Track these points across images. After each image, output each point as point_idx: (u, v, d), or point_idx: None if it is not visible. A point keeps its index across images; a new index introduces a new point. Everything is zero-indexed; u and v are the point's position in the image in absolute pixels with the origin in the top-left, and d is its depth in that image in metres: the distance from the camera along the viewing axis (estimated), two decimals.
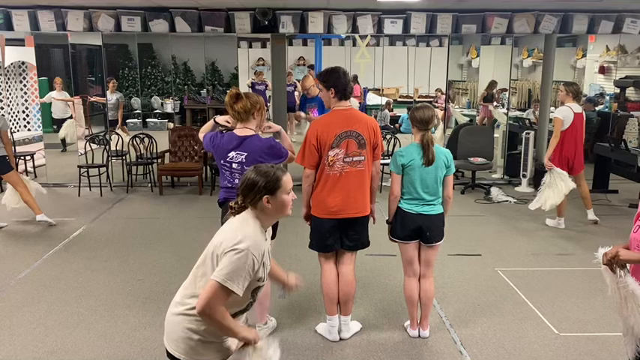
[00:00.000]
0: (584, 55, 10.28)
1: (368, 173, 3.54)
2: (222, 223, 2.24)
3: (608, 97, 10.00)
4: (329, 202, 3.49)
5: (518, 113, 9.90)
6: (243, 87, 10.96)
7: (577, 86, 6.13)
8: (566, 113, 5.89)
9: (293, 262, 4.86)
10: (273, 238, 3.55)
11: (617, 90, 9.64)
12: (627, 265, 2.30)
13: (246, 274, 1.99)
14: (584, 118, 5.99)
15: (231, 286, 1.96)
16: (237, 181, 3.38)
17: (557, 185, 5.92)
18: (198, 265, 2.13)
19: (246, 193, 2.14)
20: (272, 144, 3.45)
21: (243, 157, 3.37)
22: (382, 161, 3.78)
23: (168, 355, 2.17)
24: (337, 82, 3.49)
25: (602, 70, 10.35)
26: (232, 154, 3.39)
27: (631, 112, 9.21)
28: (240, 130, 3.43)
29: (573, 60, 10.51)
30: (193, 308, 2.04)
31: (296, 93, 12.19)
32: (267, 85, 10.69)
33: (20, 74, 9.63)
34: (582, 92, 6.16)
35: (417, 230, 3.53)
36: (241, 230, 2.05)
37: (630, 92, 9.47)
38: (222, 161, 3.42)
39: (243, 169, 3.37)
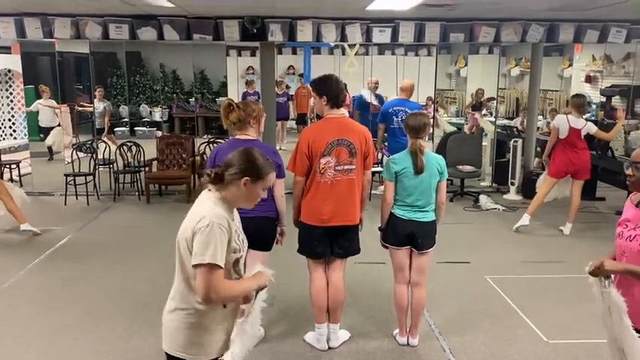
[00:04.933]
0: (570, 65, 10.38)
1: (358, 182, 3.52)
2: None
3: (594, 106, 10.09)
4: (320, 211, 3.48)
5: (506, 122, 9.96)
6: (232, 96, 10.92)
7: (578, 99, 6.17)
8: (559, 122, 6.08)
9: (282, 270, 4.80)
10: (268, 249, 3.55)
11: (604, 99, 9.74)
12: (611, 275, 2.31)
13: (221, 245, 1.99)
14: (582, 133, 5.99)
15: (215, 261, 1.96)
16: None
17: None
18: (177, 258, 2.12)
19: (232, 164, 2.09)
20: (275, 151, 3.53)
21: None
22: (373, 169, 3.76)
23: (168, 357, 2.16)
24: (329, 90, 3.49)
25: (589, 80, 10.45)
26: None
27: (617, 121, 9.28)
28: (241, 135, 3.46)
29: (560, 69, 10.61)
30: (187, 302, 2.06)
31: (290, 103, 12.16)
32: (259, 95, 10.66)
33: (6, 82, 9.54)
34: (584, 105, 6.13)
35: (409, 236, 3.53)
36: (200, 210, 2.05)
37: (616, 101, 9.56)
38: None
39: None
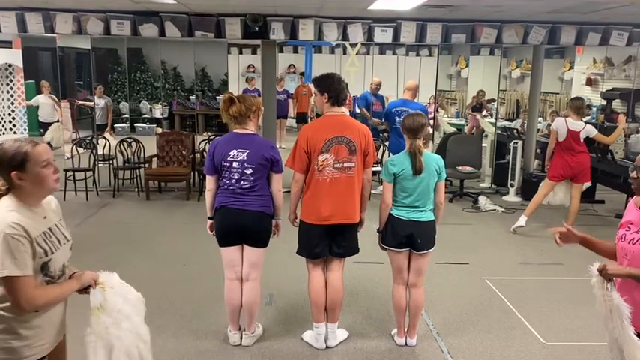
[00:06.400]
0: (571, 67, 10.38)
1: (358, 180, 3.51)
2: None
3: (594, 109, 10.10)
4: (319, 209, 3.47)
5: (506, 123, 9.96)
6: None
7: (577, 102, 6.19)
8: (558, 125, 6.10)
9: (280, 268, 4.83)
10: (264, 245, 3.54)
11: (604, 102, 9.75)
12: (613, 278, 2.30)
13: (21, 253, 1.90)
14: (581, 137, 5.99)
15: (17, 272, 1.87)
16: (234, 180, 3.38)
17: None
18: None
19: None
20: (274, 146, 3.53)
21: (245, 154, 3.39)
22: (373, 169, 3.76)
23: None
24: (331, 87, 3.49)
25: (589, 82, 10.45)
26: (234, 152, 3.39)
27: (617, 124, 9.29)
28: (240, 130, 3.46)
29: (561, 72, 10.61)
30: None
31: (289, 101, 12.16)
32: (259, 92, 10.66)
33: (7, 77, 9.53)
34: (582, 108, 6.14)
35: (408, 237, 3.51)
36: None
37: (616, 104, 9.57)
38: (222, 162, 3.41)
39: (243, 168, 3.37)
